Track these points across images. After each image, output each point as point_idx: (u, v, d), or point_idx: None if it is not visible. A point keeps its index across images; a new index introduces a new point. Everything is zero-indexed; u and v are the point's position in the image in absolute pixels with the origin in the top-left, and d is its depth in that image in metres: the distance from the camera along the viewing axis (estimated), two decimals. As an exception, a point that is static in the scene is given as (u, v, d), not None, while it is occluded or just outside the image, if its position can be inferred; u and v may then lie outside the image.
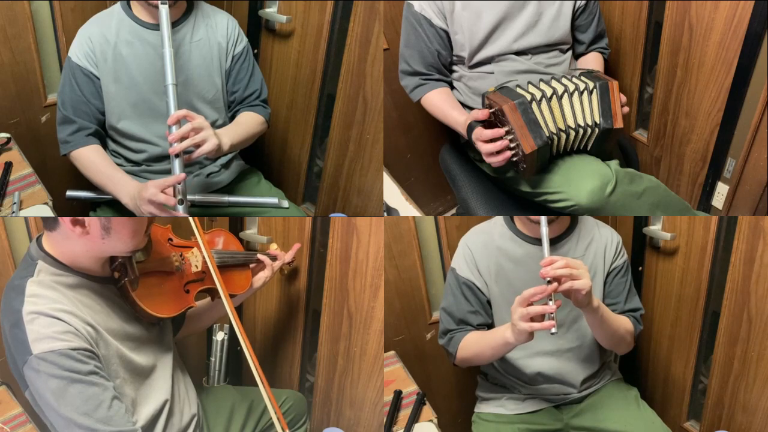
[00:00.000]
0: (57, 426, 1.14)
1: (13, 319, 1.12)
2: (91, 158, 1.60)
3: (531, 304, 1.32)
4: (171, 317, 1.36)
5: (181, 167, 1.48)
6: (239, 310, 1.97)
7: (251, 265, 1.64)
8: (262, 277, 1.64)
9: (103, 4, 1.88)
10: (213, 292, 1.50)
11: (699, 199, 1.94)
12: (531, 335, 1.34)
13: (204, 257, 1.44)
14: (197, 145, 1.47)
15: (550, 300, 1.32)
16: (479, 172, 1.76)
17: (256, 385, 1.34)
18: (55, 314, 1.12)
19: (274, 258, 1.68)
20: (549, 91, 1.49)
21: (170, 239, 1.43)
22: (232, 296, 1.53)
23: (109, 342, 1.20)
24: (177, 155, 1.47)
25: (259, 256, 1.64)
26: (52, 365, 1.09)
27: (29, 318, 1.11)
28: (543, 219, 1.39)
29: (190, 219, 1.44)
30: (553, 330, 1.30)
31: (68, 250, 1.19)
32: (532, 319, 1.32)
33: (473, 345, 1.54)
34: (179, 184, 1.46)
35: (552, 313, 1.31)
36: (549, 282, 1.33)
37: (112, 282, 1.27)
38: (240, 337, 1.35)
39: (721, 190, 1.86)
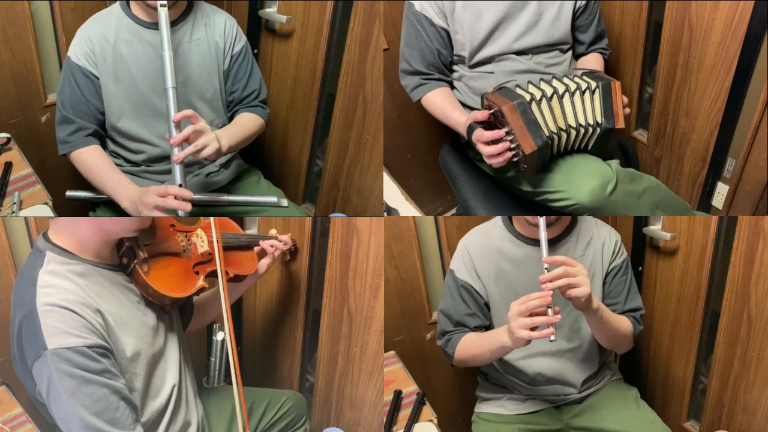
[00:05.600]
0: (64, 419, 1.13)
1: (25, 310, 1.11)
2: (91, 159, 1.60)
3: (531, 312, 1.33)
4: (181, 303, 1.35)
5: (182, 173, 1.48)
6: (240, 306, 1.98)
7: (255, 249, 1.64)
8: (265, 263, 1.64)
9: (103, 4, 1.88)
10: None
11: (699, 199, 1.94)
12: (529, 340, 1.35)
13: (211, 236, 1.43)
14: (198, 151, 1.47)
15: (549, 308, 1.32)
16: (479, 172, 1.75)
17: (255, 385, 1.34)
18: (69, 306, 1.12)
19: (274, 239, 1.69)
20: (549, 91, 1.49)
21: (172, 225, 1.44)
22: (241, 278, 1.55)
23: (119, 332, 1.20)
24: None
25: (262, 243, 1.65)
26: (68, 363, 1.09)
27: (43, 310, 1.10)
28: (541, 221, 1.39)
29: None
30: (552, 338, 1.31)
31: (75, 235, 1.19)
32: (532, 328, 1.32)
33: (471, 347, 1.55)
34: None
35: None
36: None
37: (121, 269, 1.27)
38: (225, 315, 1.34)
39: (721, 190, 1.86)
